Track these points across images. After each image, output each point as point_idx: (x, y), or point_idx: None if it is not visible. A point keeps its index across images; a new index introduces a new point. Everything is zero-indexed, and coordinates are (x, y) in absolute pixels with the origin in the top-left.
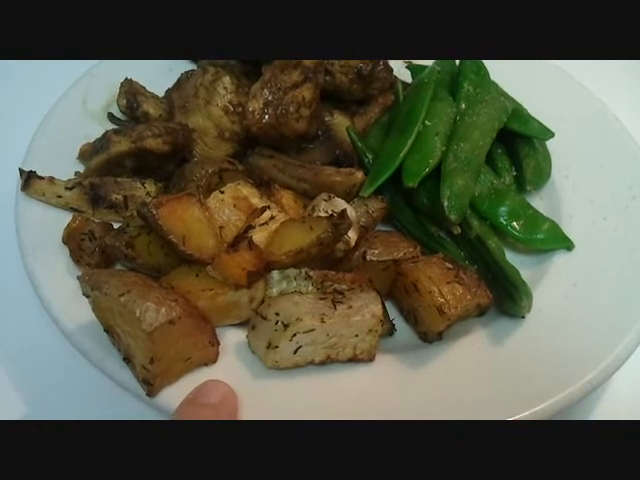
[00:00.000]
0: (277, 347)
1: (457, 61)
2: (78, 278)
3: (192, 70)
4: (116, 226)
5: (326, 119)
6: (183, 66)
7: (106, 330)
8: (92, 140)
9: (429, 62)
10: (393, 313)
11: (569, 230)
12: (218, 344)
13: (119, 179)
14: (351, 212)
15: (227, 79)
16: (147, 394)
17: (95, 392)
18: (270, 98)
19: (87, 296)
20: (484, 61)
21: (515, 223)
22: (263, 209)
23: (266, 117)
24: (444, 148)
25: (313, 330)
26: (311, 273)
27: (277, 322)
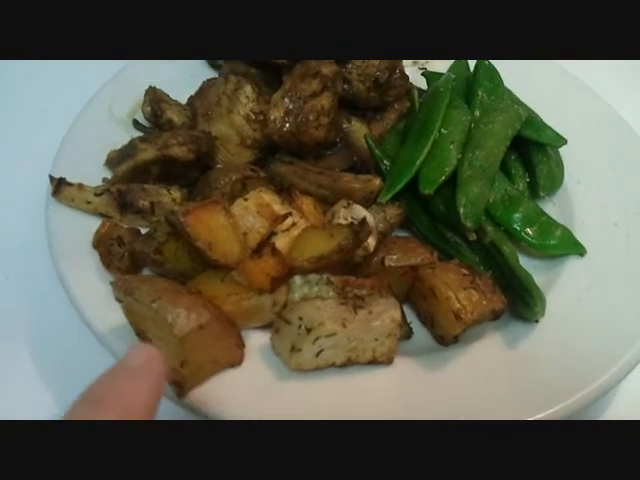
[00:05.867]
0: (300, 350)
1: (472, 68)
2: (111, 284)
3: (214, 78)
4: (143, 231)
5: (344, 126)
6: (204, 72)
7: (137, 334)
8: (119, 147)
9: (444, 67)
10: (410, 316)
11: (581, 235)
12: (244, 346)
13: (146, 185)
14: (370, 219)
15: (249, 88)
16: (177, 395)
17: None
18: (291, 107)
19: (119, 301)
20: (498, 68)
21: (529, 229)
22: (285, 216)
23: (287, 125)
24: (459, 156)
25: (335, 334)
26: (332, 279)
27: (300, 326)
